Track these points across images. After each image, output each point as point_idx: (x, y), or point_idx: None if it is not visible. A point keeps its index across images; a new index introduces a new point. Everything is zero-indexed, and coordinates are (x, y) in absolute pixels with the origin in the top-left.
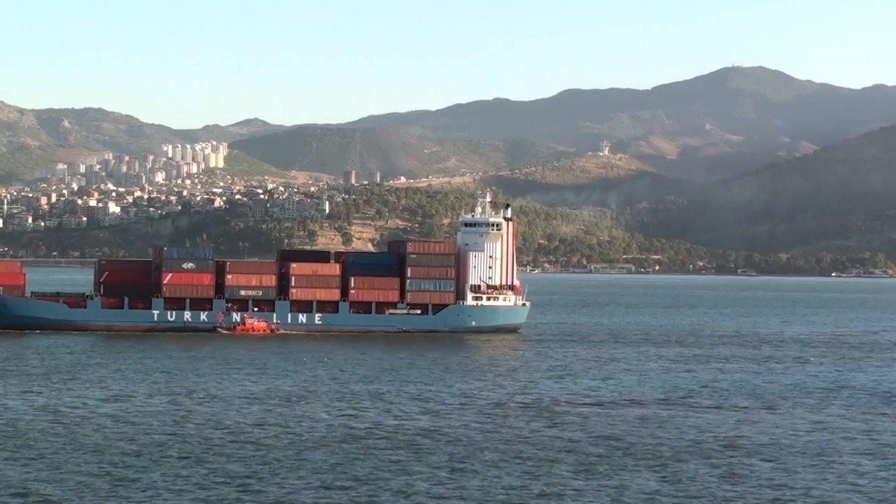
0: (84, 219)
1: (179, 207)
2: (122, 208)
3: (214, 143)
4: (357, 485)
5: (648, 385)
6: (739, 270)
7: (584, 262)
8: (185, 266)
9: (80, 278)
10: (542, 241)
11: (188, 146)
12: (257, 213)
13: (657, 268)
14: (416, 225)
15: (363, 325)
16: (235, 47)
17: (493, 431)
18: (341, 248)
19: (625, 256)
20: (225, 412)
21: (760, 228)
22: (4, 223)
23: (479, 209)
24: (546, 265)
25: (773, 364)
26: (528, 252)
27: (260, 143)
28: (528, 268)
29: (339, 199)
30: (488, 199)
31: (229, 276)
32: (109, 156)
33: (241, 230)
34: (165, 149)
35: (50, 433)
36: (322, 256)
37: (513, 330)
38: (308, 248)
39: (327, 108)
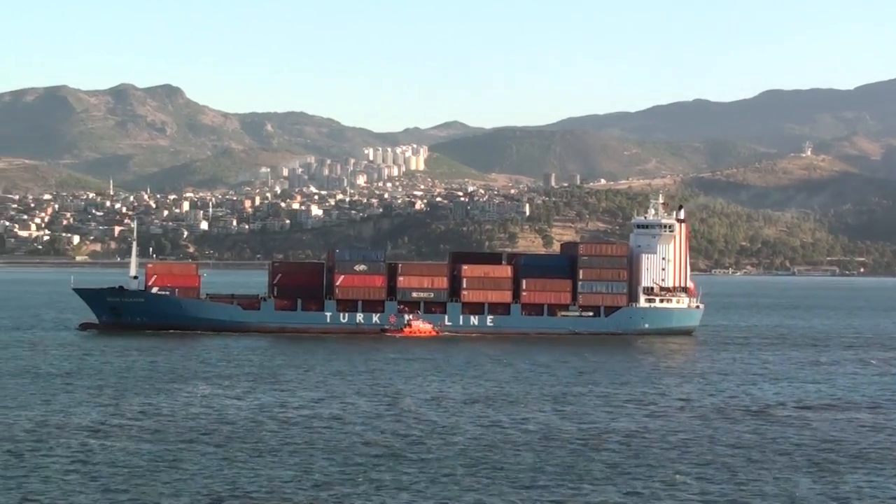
0: (287, 222)
1: (381, 210)
2: (325, 211)
3: (415, 146)
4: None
5: (863, 390)
6: None
7: (787, 264)
8: (357, 268)
9: (257, 280)
10: (744, 244)
11: (389, 149)
12: (458, 215)
13: (862, 270)
14: (617, 227)
15: (535, 328)
16: (437, 51)
17: (721, 436)
18: (515, 250)
19: (828, 259)
20: (436, 412)
21: None
22: (209, 226)
23: (652, 211)
24: (748, 267)
25: None
26: (729, 254)
27: (460, 146)
28: (731, 270)
29: (538, 202)
30: (661, 200)
31: (401, 278)
32: (312, 159)
33: (441, 232)
34: (367, 152)
35: (279, 433)
36: (494, 258)
37: (686, 333)
38: (515, 250)
39: (527, 111)
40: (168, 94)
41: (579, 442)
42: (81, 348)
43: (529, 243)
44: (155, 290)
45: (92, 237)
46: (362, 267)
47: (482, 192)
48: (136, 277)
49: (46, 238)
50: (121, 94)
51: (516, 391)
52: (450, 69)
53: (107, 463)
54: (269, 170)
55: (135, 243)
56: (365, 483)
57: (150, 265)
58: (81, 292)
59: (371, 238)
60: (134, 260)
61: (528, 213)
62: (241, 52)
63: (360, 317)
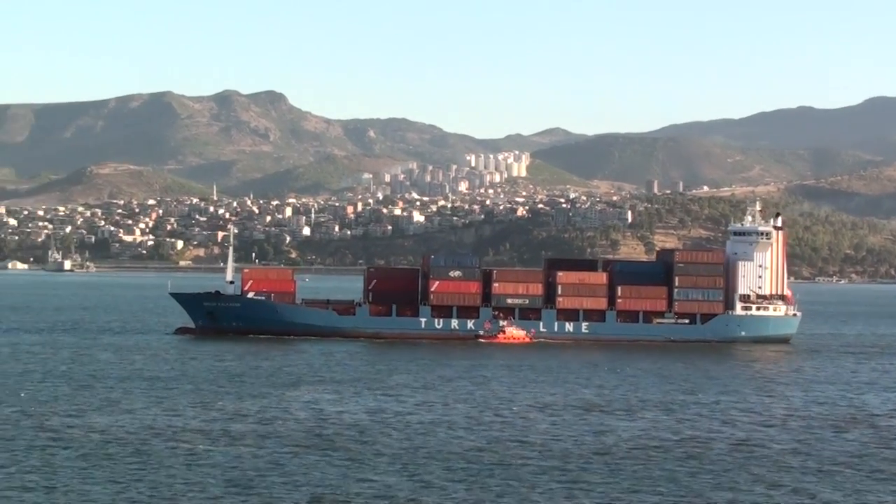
0: (389, 228)
1: (482, 216)
2: (426, 217)
3: (517, 152)
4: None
5: None
6: None
7: (893, 272)
8: (452, 274)
9: (355, 286)
10: (848, 252)
11: (491, 156)
12: (559, 222)
13: None
14: (719, 234)
15: (630, 335)
16: (539, 58)
17: (830, 445)
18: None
19: None
20: (538, 419)
21: None
22: (311, 232)
23: (749, 218)
24: (853, 276)
25: None
26: (833, 262)
27: (562, 153)
28: (835, 278)
29: (641, 208)
30: (758, 207)
31: (496, 285)
32: (413, 165)
33: (542, 239)
34: (468, 158)
35: (382, 438)
36: (589, 265)
37: (783, 341)
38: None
39: (629, 117)
40: (271, 100)
41: (682, 450)
42: (180, 352)
43: (631, 250)
44: (251, 295)
45: (195, 242)
46: (457, 273)
47: (584, 198)
48: (232, 282)
49: (150, 243)
50: (225, 100)
51: (618, 398)
52: (553, 75)
53: (212, 465)
54: (371, 176)
55: (231, 248)
56: (466, 488)
57: (246, 270)
58: (178, 297)
59: (472, 244)
60: (230, 265)
61: (630, 220)
62: (344, 59)
63: (454, 323)
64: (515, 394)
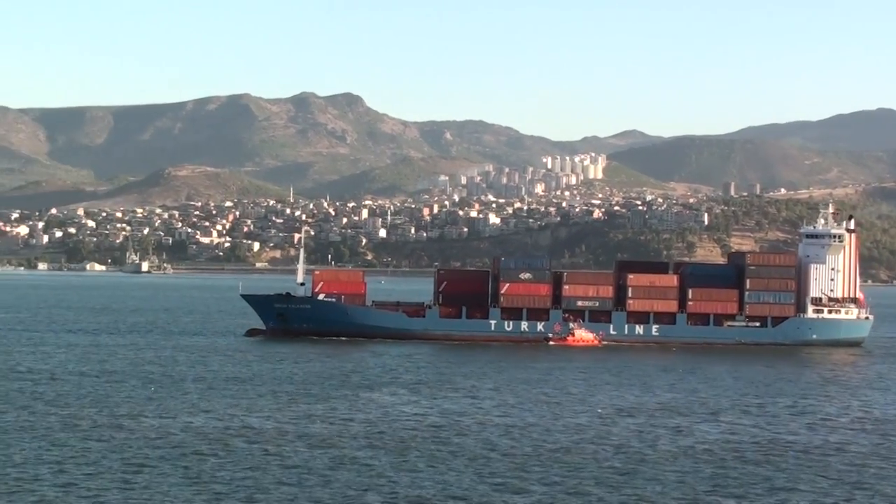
0: (465, 230)
1: (558, 219)
2: (502, 219)
3: (593, 154)
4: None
5: None
6: None
7: None
8: (522, 276)
9: (427, 288)
10: None
11: (567, 158)
12: (636, 224)
13: None
14: (796, 237)
15: (701, 337)
16: (615, 60)
17: None
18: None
19: None
20: (613, 421)
21: None
22: (388, 234)
23: (821, 221)
24: None
25: None
26: None
27: (638, 155)
28: None
29: (717, 211)
30: (831, 210)
31: (566, 287)
32: (490, 167)
33: (619, 241)
34: (545, 160)
35: (456, 439)
36: (660, 267)
37: (855, 344)
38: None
39: (706, 119)
40: (348, 102)
41: (760, 453)
42: (252, 354)
43: (708, 253)
44: (321, 296)
45: (272, 244)
46: (527, 275)
47: (660, 200)
48: (302, 284)
49: (227, 245)
50: (302, 103)
51: (694, 401)
52: (630, 77)
53: (287, 467)
54: (447, 178)
55: (302, 250)
56: (542, 490)
57: (316, 272)
58: (249, 298)
59: (548, 246)
60: (301, 267)
61: (706, 223)
62: (421, 61)
63: (524, 325)
64: (591, 396)
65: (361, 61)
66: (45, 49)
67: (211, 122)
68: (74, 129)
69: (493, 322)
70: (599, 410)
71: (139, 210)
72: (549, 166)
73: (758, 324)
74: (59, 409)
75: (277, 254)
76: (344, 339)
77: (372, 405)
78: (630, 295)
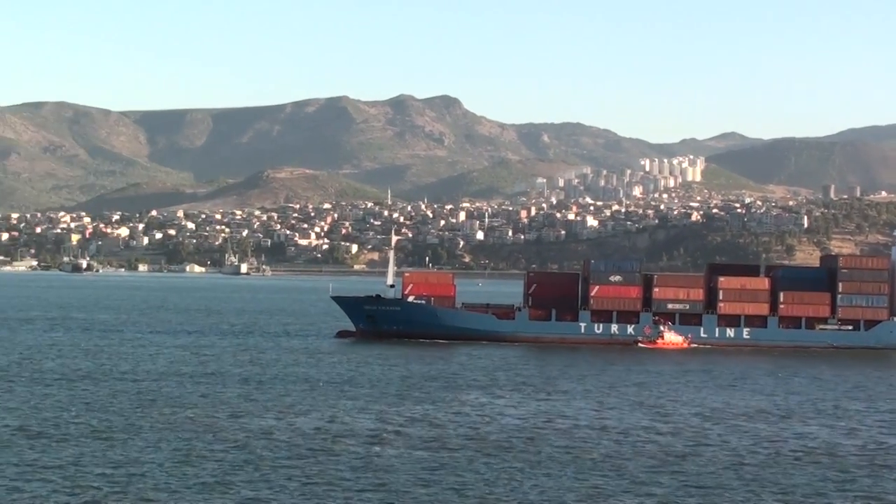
0: (562, 232)
1: (656, 221)
2: (600, 222)
3: (691, 157)
4: None
5: None
6: None
7: None
8: (612, 279)
9: (512, 290)
10: None
11: (665, 160)
12: (734, 227)
13: None
14: (891, 240)
15: (792, 341)
16: (714, 61)
17: None
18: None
19: None
20: (709, 425)
21: None
22: (485, 236)
23: None
24: None
25: None
26: None
27: (737, 157)
28: None
29: (817, 213)
30: None
31: (656, 289)
32: (587, 170)
33: (717, 244)
34: (643, 163)
35: (554, 442)
36: (751, 270)
37: None
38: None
39: (806, 121)
40: (446, 104)
41: (858, 457)
42: (345, 356)
43: (807, 255)
44: (411, 298)
45: (370, 246)
46: (617, 278)
47: (759, 203)
48: (392, 286)
49: (325, 247)
50: (399, 105)
51: (791, 405)
52: (728, 79)
53: (386, 469)
54: (544, 180)
55: (392, 252)
56: (636, 494)
57: (406, 274)
58: (339, 300)
59: (646, 249)
60: (391, 269)
61: (806, 226)
62: (519, 63)
63: (614, 328)
64: (686, 399)
65: (459, 63)
66: (146, 53)
67: (309, 124)
68: (175, 132)
69: (582, 324)
70: (685, 415)
71: (238, 212)
72: (647, 169)
73: (850, 327)
74: (163, 409)
75: (375, 256)
76: (433, 341)
77: (468, 407)
78: (721, 298)
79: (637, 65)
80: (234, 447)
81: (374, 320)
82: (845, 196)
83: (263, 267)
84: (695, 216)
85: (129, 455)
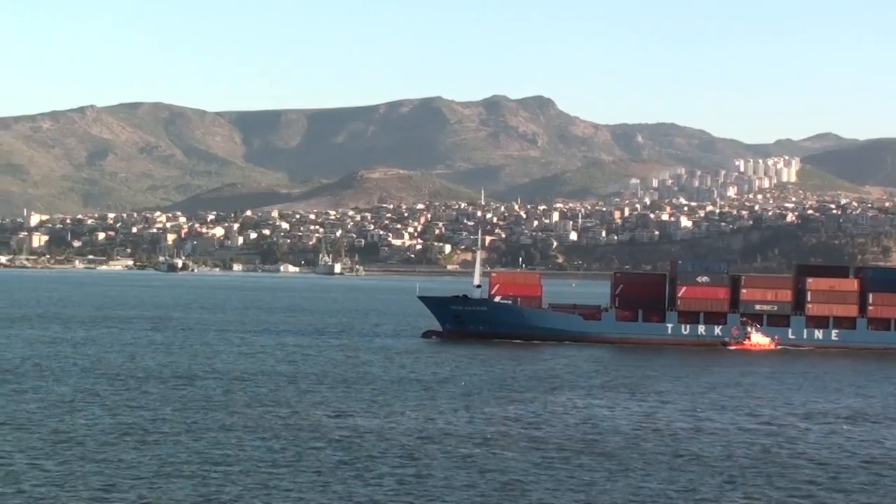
0: (656, 233)
1: (751, 222)
2: (694, 223)
3: (786, 157)
4: None
5: None
6: None
7: None
8: (699, 279)
9: (604, 291)
10: None
11: (760, 161)
12: (830, 228)
13: None
14: None
15: (882, 343)
16: (809, 63)
17: None
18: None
19: None
20: (809, 428)
21: None
22: (578, 237)
23: None
24: None
25: None
26: None
27: (833, 158)
28: None
29: None
30: None
31: (744, 290)
32: (682, 170)
33: (812, 245)
34: (737, 163)
35: (652, 444)
36: (841, 271)
37: None
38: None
39: None
40: (539, 105)
41: None
42: (435, 355)
43: None
44: (497, 298)
45: (463, 246)
46: (705, 278)
47: (855, 204)
48: (479, 286)
49: (419, 247)
50: (493, 106)
51: (889, 408)
52: (824, 79)
53: (486, 469)
54: (638, 181)
55: (479, 252)
56: (730, 497)
57: (493, 274)
58: (426, 300)
59: (740, 250)
60: (478, 269)
61: None
62: (613, 64)
63: (701, 329)
64: (783, 401)
65: (553, 64)
66: (242, 54)
67: (403, 124)
68: (269, 132)
69: (669, 325)
70: (782, 417)
71: (332, 212)
72: (742, 169)
73: None
74: (253, 409)
75: (468, 256)
76: (519, 341)
77: (563, 408)
78: (809, 299)
79: (732, 65)
80: (324, 446)
81: (461, 320)
82: None
83: (357, 267)
84: (790, 217)
85: (225, 453)
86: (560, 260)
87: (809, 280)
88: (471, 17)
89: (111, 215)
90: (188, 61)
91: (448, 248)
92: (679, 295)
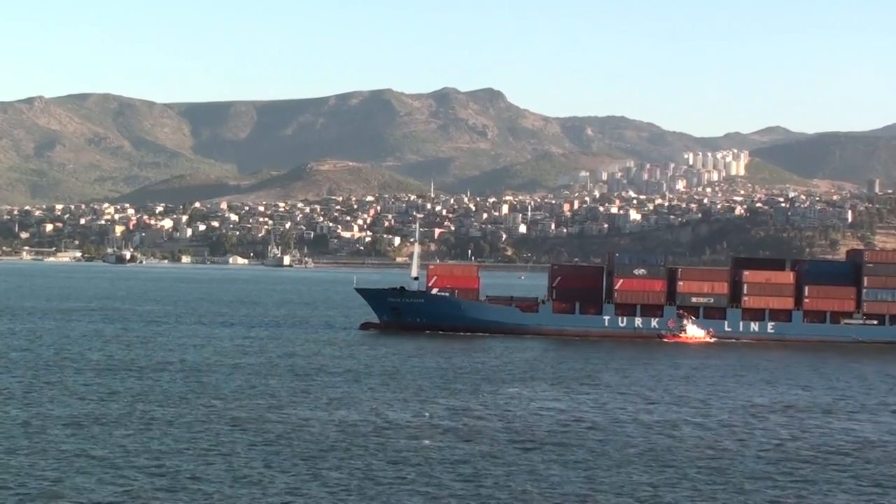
0: (605, 226)
1: (699, 215)
2: (643, 215)
3: (735, 150)
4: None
5: None
6: None
7: None
8: (636, 272)
9: (536, 283)
10: None
11: (709, 154)
12: (778, 221)
13: None
14: None
15: (817, 335)
16: (757, 55)
17: None
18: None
19: None
20: (747, 421)
21: None
22: (528, 229)
23: None
24: None
25: None
26: None
27: (781, 151)
28: None
29: (861, 208)
30: None
31: (681, 283)
32: (631, 163)
33: (761, 239)
34: (686, 156)
35: (598, 437)
36: (777, 264)
37: None
38: (834, 257)
39: (851, 116)
40: (490, 97)
41: None
42: (372, 347)
43: None
44: (435, 291)
45: (412, 239)
46: (642, 271)
47: (803, 197)
48: (416, 278)
49: (368, 239)
50: (443, 98)
51: (825, 400)
52: (773, 73)
53: (438, 461)
54: (588, 174)
55: (417, 245)
56: (688, 490)
57: (431, 266)
58: (363, 292)
59: (688, 243)
60: (416, 261)
61: (850, 220)
62: (562, 57)
63: (638, 321)
64: (719, 394)
65: (503, 56)
66: (191, 45)
67: (353, 116)
68: (218, 124)
69: (606, 318)
70: (717, 406)
71: (281, 204)
72: (691, 162)
73: (875, 322)
74: (209, 400)
75: (418, 248)
76: (456, 333)
77: (510, 400)
78: (745, 292)
79: (682, 58)
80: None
81: (398, 312)
82: (890, 191)
83: (306, 259)
84: (738, 210)
85: (169, 445)
86: (509, 252)
87: (746, 273)
88: (421, 9)
89: (59, 207)
90: (137, 52)
91: (398, 240)
92: (616, 287)
